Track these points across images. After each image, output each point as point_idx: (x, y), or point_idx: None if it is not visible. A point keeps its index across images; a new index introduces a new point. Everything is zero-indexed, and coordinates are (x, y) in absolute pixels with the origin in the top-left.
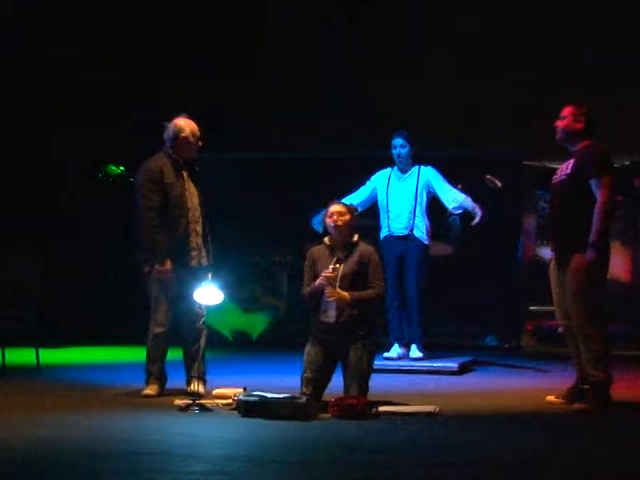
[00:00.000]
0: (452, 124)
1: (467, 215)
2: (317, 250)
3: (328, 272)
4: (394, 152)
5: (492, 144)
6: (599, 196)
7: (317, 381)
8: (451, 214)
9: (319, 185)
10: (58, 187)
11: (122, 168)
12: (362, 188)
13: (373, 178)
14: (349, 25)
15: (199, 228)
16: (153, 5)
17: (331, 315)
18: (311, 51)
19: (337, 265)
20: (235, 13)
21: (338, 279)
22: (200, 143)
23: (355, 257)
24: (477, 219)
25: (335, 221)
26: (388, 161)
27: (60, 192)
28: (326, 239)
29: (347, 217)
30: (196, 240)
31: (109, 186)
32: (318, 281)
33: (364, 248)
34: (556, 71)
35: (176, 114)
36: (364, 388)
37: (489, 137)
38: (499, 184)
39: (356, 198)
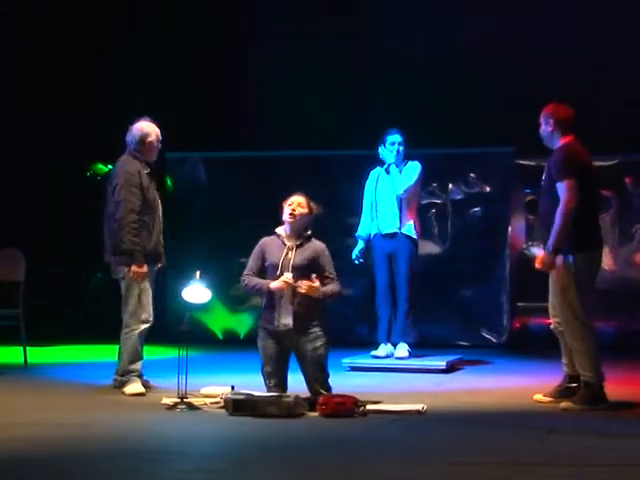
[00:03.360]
0: (443, 123)
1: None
2: (268, 240)
3: (288, 279)
4: (392, 148)
5: (483, 143)
6: (561, 199)
7: (277, 373)
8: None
9: (310, 184)
10: (44, 186)
11: (110, 167)
12: (365, 206)
13: (366, 190)
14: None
15: (162, 228)
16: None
17: (288, 322)
18: (304, 48)
19: (293, 279)
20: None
21: (290, 268)
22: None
23: (307, 251)
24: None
25: (293, 210)
26: (377, 161)
27: (47, 191)
28: (278, 229)
29: (305, 211)
30: (162, 240)
31: (96, 185)
32: (275, 285)
33: (316, 244)
34: (547, 68)
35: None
36: (325, 377)
37: (481, 135)
38: None
39: (369, 217)
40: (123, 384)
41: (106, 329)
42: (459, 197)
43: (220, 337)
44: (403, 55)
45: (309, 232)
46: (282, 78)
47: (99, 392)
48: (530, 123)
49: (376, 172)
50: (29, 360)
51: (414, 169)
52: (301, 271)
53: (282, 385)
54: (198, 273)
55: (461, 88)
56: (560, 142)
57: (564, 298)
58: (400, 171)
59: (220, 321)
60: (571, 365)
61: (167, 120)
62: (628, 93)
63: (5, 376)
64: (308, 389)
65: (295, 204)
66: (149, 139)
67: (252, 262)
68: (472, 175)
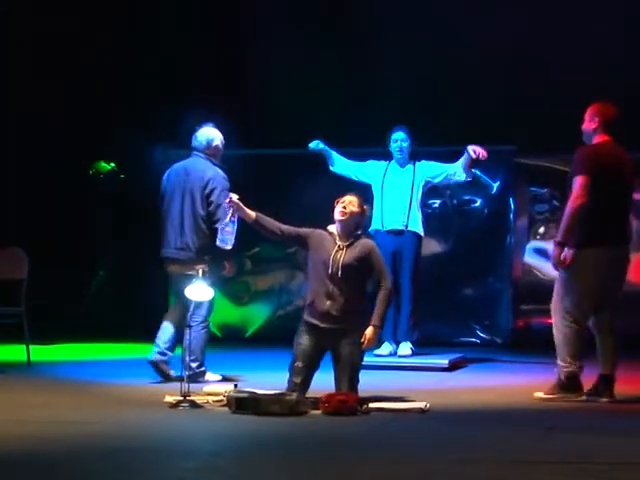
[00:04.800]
0: (445, 121)
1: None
2: (324, 233)
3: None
4: (394, 145)
5: (485, 141)
6: (572, 194)
7: (307, 371)
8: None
9: (312, 181)
10: (48, 184)
11: (112, 164)
12: (359, 163)
13: (370, 163)
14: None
15: None
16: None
17: (324, 303)
18: (304, 48)
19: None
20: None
21: (340, 266)
22: None
23: (356, 250)
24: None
25: (344, 207)
26: (383, 158)
27: (50, 189)
28: (330, 227)
29: (356, 209)
30: None
31: (99, 183)
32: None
33: (365, 242)
34: (550, 67)
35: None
36: (355, 383)
37: (482, 134)
38: (483, 155)
39: (352, 165)
40: (202, 374)
41: (109, 327)
42: (461, 195)
43: (219, 335)
44: (403, 55)
45: (359, 232)
46: (282, 78)
47: (102, 390)
48: (531, 122)
49: (383, 165)
50: (32, 358)
51: (428, 163)
52: (350, 270)
53: (306, 385)
54: (201, 271)
55: (462, 87)
56: (594, 140)
57: (564, 287)
58: (413, 170)
59: (224, 319)
60: (603, 363)
61: (169, 118)
62: (629, 92)
63: (8, 374)
64: (336, 389)
65: (347, 202)
66: (215, 143)
67: (299, 229)
68: (474, 173)
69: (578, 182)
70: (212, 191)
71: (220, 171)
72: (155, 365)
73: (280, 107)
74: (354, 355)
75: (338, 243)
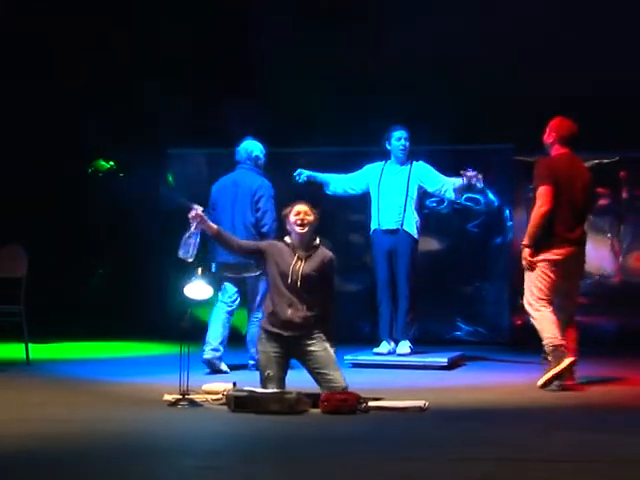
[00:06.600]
0: (444, 120)
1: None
2: (280, 244)
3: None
4: (398, 143)
5: (484, 140)
6: (536, 202)
7: (278, 376)
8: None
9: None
10: (47, 183)
11: (112, 163)
12: (354, 174)
13: (365, 169)
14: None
15: None
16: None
17: (286, 312)
18: (305, 47)
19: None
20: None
21: (299, 277)
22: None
23: (317, 259)
24: (472, 178)
25: (302, 220)
26: (379, 157)
27: (49, 188)
28: (287, 238)
29: (312, 218)
30: None
31: (98, 181)
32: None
33: (324, 253)
34: (547, 67)
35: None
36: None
37: (481, 133)
38: (478, 178)
39: (347, 179)
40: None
41: (107, 326)
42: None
43: None
44: (403, 54)
45: (317, 241)
46: (283, 76)
47: (101, 389)
48: (530, 121)
49: (379, 166)
50: (31, 356)
51: (425, 166)
52: (310, 280)
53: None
54: (200, 270)
55: (461, 86)
56: (552, 152)
57: (532, 281)
58: (410, 170)
59: None
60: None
61: (168, 116)
62: (628, 91)
63: (7, 373)
64: (325, 389)
65: (302, 214)
66: (255, 154)
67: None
68: (462, 198)
69: (538, 192)
70: (260, 198)
71: (265, 180)
72: (209, 362)
73: (281, 104)
74: (328, 349)
75: (297, 254)
